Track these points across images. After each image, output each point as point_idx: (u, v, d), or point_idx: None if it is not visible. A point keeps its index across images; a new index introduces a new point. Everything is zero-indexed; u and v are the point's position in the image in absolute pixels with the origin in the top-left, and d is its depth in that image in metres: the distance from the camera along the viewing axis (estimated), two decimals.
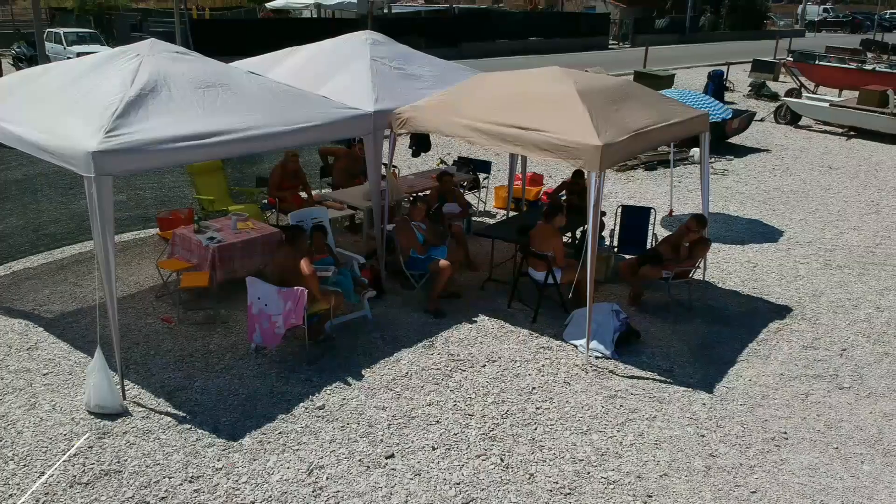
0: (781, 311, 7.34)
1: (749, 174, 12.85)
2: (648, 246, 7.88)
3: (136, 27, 26.83)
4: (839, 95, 19.26)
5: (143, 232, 8.85)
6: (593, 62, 24.90)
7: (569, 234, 8.38)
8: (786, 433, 5.35)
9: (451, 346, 6.41)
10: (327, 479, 4.68)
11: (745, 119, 15.05)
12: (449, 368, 6.04)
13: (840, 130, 16.80)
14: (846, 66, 21.68)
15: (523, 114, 6.25)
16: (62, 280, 7.43)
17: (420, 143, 11.89)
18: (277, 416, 5.29)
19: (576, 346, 6.42)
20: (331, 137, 7.35)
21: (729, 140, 14.91)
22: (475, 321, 6.88)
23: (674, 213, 10.18)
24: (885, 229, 10.06)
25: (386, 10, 32.96)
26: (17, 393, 5.48)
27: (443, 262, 6.91)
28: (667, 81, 19.45)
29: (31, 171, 7.98)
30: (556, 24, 37.00)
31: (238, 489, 4.56)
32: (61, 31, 23.29)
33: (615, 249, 8.12)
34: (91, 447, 4.88)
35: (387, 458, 4.90)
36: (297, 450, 4.95)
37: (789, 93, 19.52)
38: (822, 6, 61.34)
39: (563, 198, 8.60)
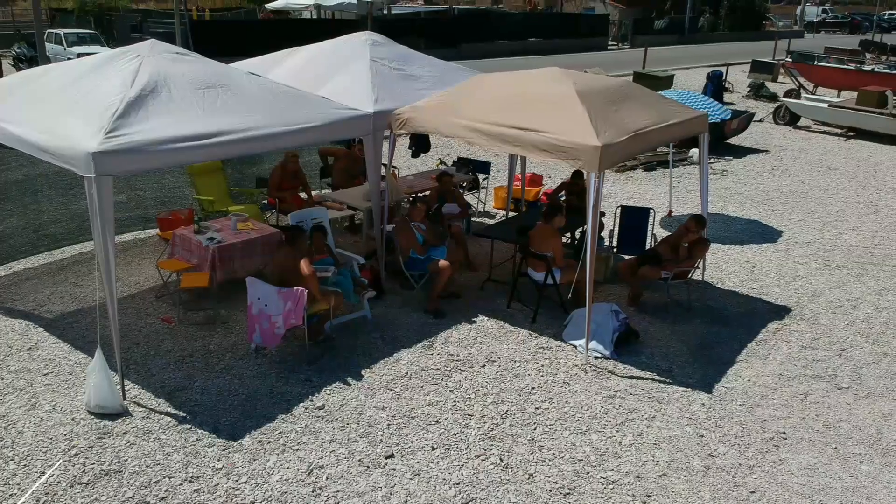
0: (780, 312, 7.35)
1: (748, 175, 12.87)
2: (647, 246, 7.89)
3: (136, 28, 26.83)
4: (838, 96, 19.30)
5: (143, 232, 8.86)
6: (592, 63, 24.93)
7: (568, 235, 8.39)
8: (785, 433, 5.36)
9: (450, 346, 6.42)
10: (327, 479, 4.69)
11: (743, 120, 15.07)
12: (448, 368, 6.05)
13: (839, 131, 16.82)
14: (845, 66, 21.72)
15: (523, 114, 6.26)
16: (62, 280, 7.44)
17: (419, 143, 11.90)
18: (277, 417, 5.30)
19: (575, 347, 6.43)
20: (330, 138, 7.36)
21: (728, 141, 14.94)
22: (475, 321, 6.89)
23: (673, 214, 10.19)
24: (884, 230, 10.08)
25: (385, 11, 32.96)
26: (18, 393, 5.49)
27: (442, 263, 6.93)
28: (666, 82, 19.48)
29: (31, 172, 7.99)
30: (556, 24, 37.03)
31: (238, 489, 4.57)
32: (62, 31, 23.30)
33: (614, 250, 8.13)
34: (91, 447, 4.89)
35: (386, 458, 4.91)
36: (297, 450, 4.96)
37: (788, 93, 19.55)
38: (821, 7, 61.42)
39: (563, 198, 8.61)
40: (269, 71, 7.82)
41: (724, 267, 8.45)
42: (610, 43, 39.98)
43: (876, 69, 21.19)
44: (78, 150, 5.03)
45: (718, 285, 7.93)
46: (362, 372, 5.94)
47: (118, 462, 4.76)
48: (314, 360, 6.08)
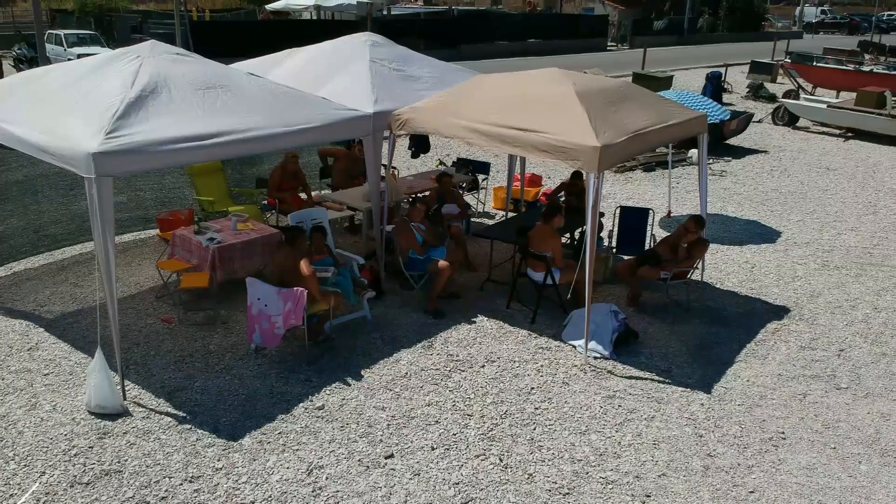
0: (779, 312, 7.36)
1: (747, 175, 12.89)
2: (647, 247, 7.90)
3: (136, 29, 26.84)
4: (837, 97, 19.32)
5: (143, 233, 8.87)
6: (592, 64, 24.95)
7: (567, 235, 8.41)
8: (783, 433, 5.37)
9: (450, 346, 6.43)
10: (327, 479, 4.70)
11: (743, 120, 15.09)
12: (448, 369, 6.06)
13: (838, 132, 16.84)
14: (844, 67, 21.75)
15: (522, 115, 6.27)
16: (63, 281, 7.45)
17: (419, 144, 11.91)
18: (277, 417, 5.31)
19: (574, 347, 6.44)
20: (330, 139, 7.37)
21: (727, 141, 14.95)
22: (474, 322, 6.90)
23: (672, 214, 10.21)
24: (883, 230, 10.09)
25: (385, 12, 32.98)
26: (18, 393, 5.49)
27: (442, 263, 6.94)
28: (665, 83, 19.50)
29: (31, 173, 8.00)
30: (555, 25, 37.07)
31: (238, 489, 4.58)
32: (62, 32, 23.32)
33: (614, 250, 8.15)
34: (91, 447, 4.90)
35: (386, 458, 4.92)
36: (297, 450, 4.97)
37: (787, 94, 19.58)
38: (820, 8, 61.47)
39: (562, 199, 8.62)
40: (269, 72, 7.83)
41: (723, 267, 8.46)
42: (609, 44, 40.03)
43: (874, 70, 21.23)
44: (78, 151, 5.04)
45: (717, 286, 7.94)
46: (362, 372, 5.95)
47: (118, 462, 4.77)
48: (314, 360, 6.09)
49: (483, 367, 6.11)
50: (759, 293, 7.79)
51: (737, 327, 6.98)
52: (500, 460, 4.94)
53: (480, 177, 10.24)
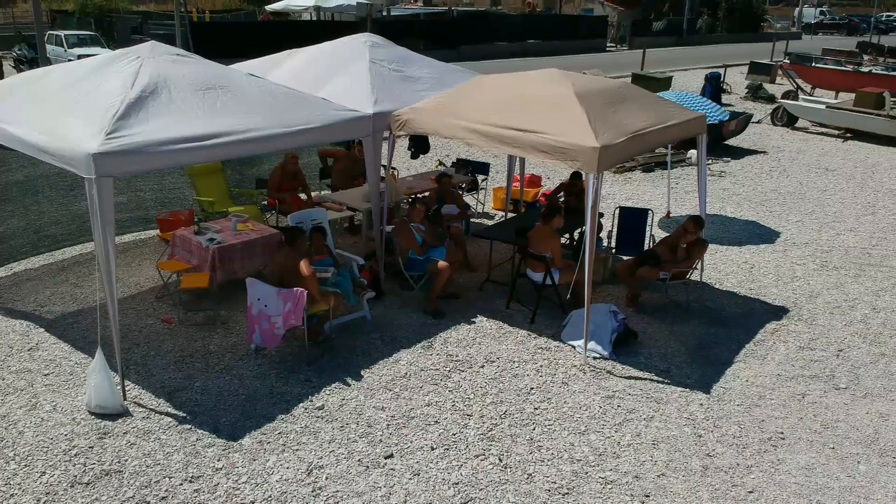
0: (778, 312, 7.38)
1: (746, 176, 12.91)
2: (646, 247, 7.92)
3: (136, 30, 26.85)
4: (835, 97, 19.34)
5: (143, 233, 8.88)
6: (591, 64, 24.98)
7: (567, 236, 8.42)
8: (782, 433, 5.38)
9: (449, 346, 6.44)
10: (327, 478, 4.71)
11: (742, 121, 15.11)
12: (448, 369, 6.07)
13: (836, 132, 16.86)
14: (842, 68, 21.77)
15: (521, 116, 6.28)
16: (63, 281, 7.46)
17: (419, 144, 11.93)
18: (277, 417, 5.32)
19: (574, 347, 6.45)
20: (330, 139, 7.38)
21: (726, 142, 14.97)
22: (474, 322, 6.91)
23: (671, 215, 10.22)
24: (882, 230, 10.11)
25: (385, 13, 33.00)
26: (19, 393, 5.50)
27: (441, 264, 6.95)
28: (664, 83, 19.52)
29: (32, 173, 8.01)
30: (554, 26, 37.09)
31: (238, 489, 4.59)
32: (62, 33, 23.33)
33: (613, 251, 8.16)
34: (92, 447, 4.91)
35: (386, 458, 4.93)
36: (297, 450, 4.98)
37: (786, 95, 19.60)
38: (819, 9, 61.50)
39: (561, 199, 8.64)
40: (269, 72, 7.84)
41: (722, 268, 8.48)
42: (608, 44, 40.05)
43: (873, 71, 21.24)
44: (78, 152, 5.05)
45: (716, 286, 7.95)
46: (362, 372, 5.96)
47: (118, 462, 4.77)
48: (314, 360, 6.09)
49: (482, 367, 6.12)
50: (758, 293, 7.81)
51: (736, 327, 6.99)
52: (500, 460, 4.95)
53: (480, 177, 10.26)
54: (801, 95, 19.04)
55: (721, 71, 21.15)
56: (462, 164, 10.29)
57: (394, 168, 9.92)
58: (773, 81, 24.03)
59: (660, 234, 8.81)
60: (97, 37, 24.12)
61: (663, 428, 5.38)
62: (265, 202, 8.98)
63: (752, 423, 5.49)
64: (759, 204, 11.19)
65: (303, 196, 8.70)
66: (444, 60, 9.30)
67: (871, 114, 16.01)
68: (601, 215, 7.79)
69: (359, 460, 4.89)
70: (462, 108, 6.72)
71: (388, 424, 5.29)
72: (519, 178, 9.97)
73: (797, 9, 54.31)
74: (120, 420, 5.19)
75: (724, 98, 20.23)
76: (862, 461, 5.10)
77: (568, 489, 4.70)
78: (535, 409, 5.56)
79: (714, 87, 18.76)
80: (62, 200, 8.31)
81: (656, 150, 12.64)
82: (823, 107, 16.75)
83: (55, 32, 23.60)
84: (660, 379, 6.04)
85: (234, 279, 6.87)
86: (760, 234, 9.75)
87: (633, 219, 8.03)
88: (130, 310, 6.84)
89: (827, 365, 6.40)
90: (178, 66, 6.18)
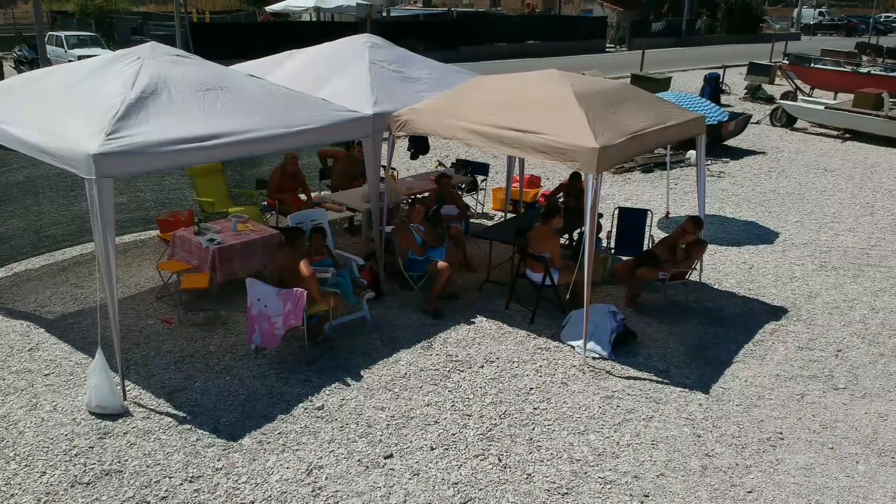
0: (777, 313, 7.39)
1: (745, 176, 12.92)
2: (645, 247, 7.93)
3: (136, 30, 26.87)
4: (834, 98, 19.37)
5: (143, 234, 8.89)
6: (590, 65, 25.00)
7: (566, 236, 8.43)
8: (781, 433, 5.39)
9: (449, 346, 6.45)
10: (326, 478, 4.72)
11: (741, 122, 15.12)
12: (447, 369, 6.08)
13: (835, 133, 16.88)
14: (841, 69, 21.79)
15: (521, 116, 6.30)
16: (63, 281, 7.47)
17: (418, 145, 11.94)
18: (277, 417, 5.33)
19: (573, 347, 6.46)
20: (330, 140, 7.40)
21: (725, 143, 14.99)
22: (473, 322, 6.92)
23: (670, 215, 10.24)
24: (880, 231, 10.12)
25: (385, 14, 33.01)
26: (19, 393, 5.51)
27: (441, 264, 6.96)
28: (663, 84, 19.53)
29: (32, 174, 8.02)
30: (554, 27, 37.12)
31: (238, 489, 4.60)
32: (62, 34, 23.35)
33: (612, 251, 8.17)
34: (92, 447, 4.91)
35: (385, 458, 4.94)
36: (297, 450, 4.99)
37: (785, 95, 19.61)
38: (818, 10, 61.54)
39: (561, 200, 8.65)
40: (269, 73, 7.85)
41: (721, 268, 8.49)
42: (608, 45, 40.08)
43: (872, 71, 21.27)
44: (78, 152, 5.06)
45: (715, 286, 7.96)
46: (361, 372, 5.97)
47: (119, 462, 4.78)
48: (314, 360, 6.10)
49: (482, 367, 6.13)
50: (757, 294, 7.82)
51: (735, 328, 7.00)
52: (499, 460, 4.96)
53: (479, 178, 10.27)
54: (800, 96, 19.06)
55: (720, 72, 21.17)
56: (461, 165, 10.31)
57: (393, 168, 9.94)
58: (771, 82, 24.06)
59: (659, 235, 8.82)
60: (97, 38, 24.14)
61: (662, 428, 5.39)
62: (265, 203, 8.99)
63: (751, 423, 5.50)
64: (757, 204, 11.21)
65: (303, 196, 8.71)
66: (444, 61, 9.31)
67: (870, 114, 16.03)
68: (600, 216, 7.80)
69: (358, 460, 4.90)
70: (461, 108, 6.74)
71: (388, 424, 5.30)
72: (518, 178, 9.98)
73: (796, 10, 54.35)
74: (120, 420, 5.20)
75: (723, 99, 20.25)
76: (861, 461, 5.11)
77: (567, 489, 4.71)
78: (535, 409, 5.57)
79: (713, 88, 18.77)
80: (62, 201, 8.32)
81: (655, 151, 12.65)
82: (822, 107, 16.77)
83: (55, 33, 23.62)
84: (659, 379, 6.05)
85: (234, 279, 6.88)
86: (759, 235, 9.76)
87: (632, 219, 8.05)
88: (130, 310, 6.85)
89: (826, 365, 6.41)
90: (178, 66, 6.19)
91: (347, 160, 9.36)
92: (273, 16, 32.17)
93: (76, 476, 4.64)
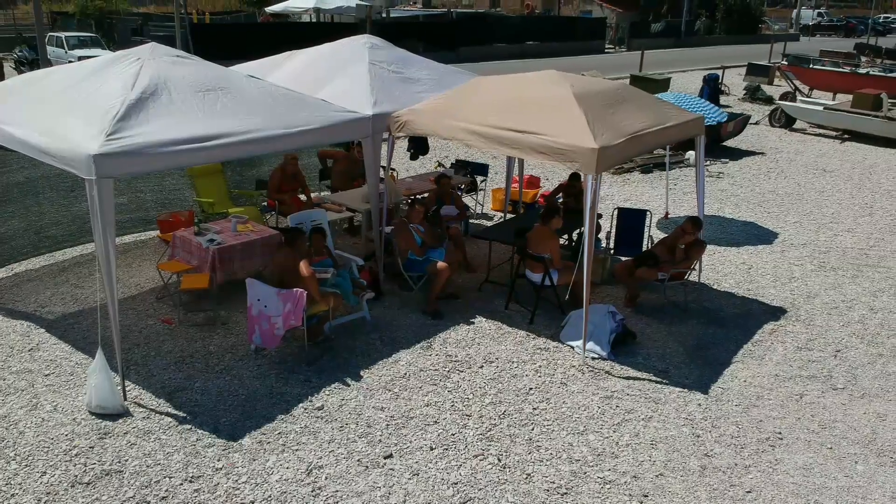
0: (776, 313, 7.40)
1: (744, 177, 12.94)
2: (644, 248, 7.94)
3: (136, 31, 26.86)
4: (833, 99, 19.39)
5: (143, 234, 8.90)
6: (590, 66, 25.02)
7: (565, 237, 8.44)
8: (780, 433, 5.40)
9: (448, 347, 6.46)
10: (326, 478, 4.73)
11: (740, 122, 15.14)
12: (447, 369, 6.09)
13: (834, 133, 16.90)
14: (840, 69, 21.82)
15: (520, 117, 6.31)
16: (63, 282, 7.47)
17: (418, 145, 11.95)
18: (277, 417, 5.34)
19: (572, 347, 6.47)
20: (330, 140, 7.41)
21: (724, 143, 15.00)
22: (473, 322, 6.93)
23: (669, 216, 10.25)
24: (879, 231, 10.14)
25: (384, 15, 33.03)
26: (19, 394, 5.52)
27: (441, 264, 6.97)
28: (662, 85, 19.55)
29: (32, 174, 8.03)
30: (553, 28, 37.13)
31: (238, 489, 4.61)
32: (63, 35, 23.35)
33: (611, 251, 8.18)
34: (92, 447, 4.92)
35: (385, 458, 4.95)
36: (297, 450, 4.99)
37: (784, 96, 19.64)
38: (817, 10, 61.59)
39: (560, 200, 8.66)
40: (269, 74, 7.86)
41: (720, 268, 8.50)
42: (607, 46, 40.11)
43: (871, 72, 21.29)
44: (79, 153, 5.07)
45: (714, 287, 7.98)
46: (361, 373, 5.98)
47: (119, 462, 4.79)
48: (313, 360, 6.11)
49: (482, 367, 6.14)
50: (756, 294, 7.83)
51: (734, 328, 7.01)
52: (499, 460, 4.97)
53: (479, 178, 10.28)
54: (799, 97, 19.08)
55: (719, 72, 21.17)
56: (461, 165, 10.32)
57: (393, 169, 9.95)
58: (771, 83, 24.08)
59: (658, 235, 8.83)
60: (97, 38, 24.14)
61: (661, 428, 5.40)
62: (265, 203, 9.00)
63: (750, 423, 5.52)
64: (757, 205, 11.22)
65: (302, 197, 8.72)
66: (444, 62, 9.32)
67: (869, 115, 16.05)
68: (600, 216, 7.82)
69: (358, 460, 4.91)
70: (461, 109, 6.75)
71: (388, 424, 5.31)
72: (518, 179, 9.99)
73: (795, 10, 54.40)
74: (120, 420, 5.21)
75: (722, 99, 20.26)
76: (859, 461, 5.13)
77: (567, 489, 4.72)
78: (534, 409, 5.58)
79: (712, 89, 18.79)
80: (63, 201, 8.32)
81: (655, 152, 12.67)
82: (821, 108, 16.78)
83: (56, 34, 23.62)
84: (658, 379, 6.06)
85: (233, 280, 6.89)
86: (758, 235, 9.78)
87: (631, 220, 8.06)
88: (131, 310, 6.86)
89: (825, 365, 6.42)
90: (179, 67, 6.20)
91: (347, 161, 9.37)
92: (273, 17, 32.17)
93: (76, 476, 4.64)
